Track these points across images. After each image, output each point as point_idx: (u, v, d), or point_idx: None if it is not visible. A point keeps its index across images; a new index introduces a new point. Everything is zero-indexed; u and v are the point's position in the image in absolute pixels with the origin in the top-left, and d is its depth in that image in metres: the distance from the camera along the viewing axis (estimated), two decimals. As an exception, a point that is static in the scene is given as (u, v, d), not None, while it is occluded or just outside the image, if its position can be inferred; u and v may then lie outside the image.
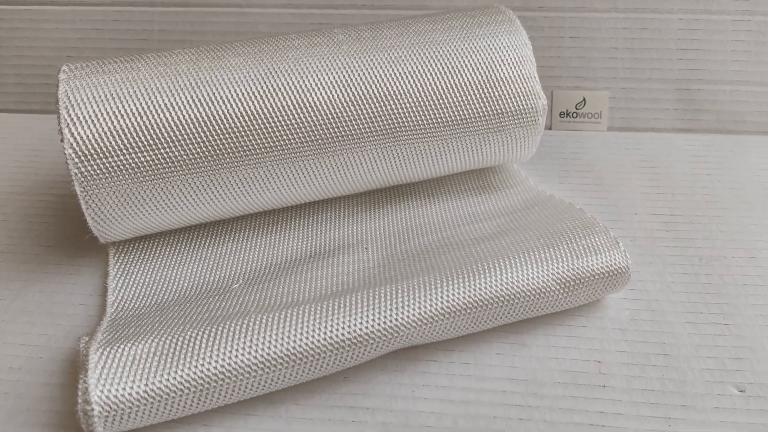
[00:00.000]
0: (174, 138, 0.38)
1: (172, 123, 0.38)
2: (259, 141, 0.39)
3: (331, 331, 0.34)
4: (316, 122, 0.40)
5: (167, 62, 0.40)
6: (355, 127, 0.41)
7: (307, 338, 0.33)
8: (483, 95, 0.43)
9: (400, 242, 0.42)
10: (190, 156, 0.39)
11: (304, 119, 0.40)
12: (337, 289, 0.37)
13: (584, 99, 0.56)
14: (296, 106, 0.40)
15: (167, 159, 0.38)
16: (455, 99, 0.42)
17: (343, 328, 0.34)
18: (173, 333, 0.33)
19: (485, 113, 0.43)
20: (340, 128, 0.40)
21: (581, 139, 0.55)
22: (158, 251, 0.43)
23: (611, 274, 0.38)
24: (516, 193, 0.47)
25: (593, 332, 0.39)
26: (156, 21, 0.57)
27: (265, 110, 0.39)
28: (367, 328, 0.34)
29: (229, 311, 0.36)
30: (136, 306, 0.39)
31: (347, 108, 0.40)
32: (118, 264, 0.42)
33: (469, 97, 0.43)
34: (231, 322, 0.34)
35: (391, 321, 0.34)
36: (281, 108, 0.40)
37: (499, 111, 0.43)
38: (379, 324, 0.34)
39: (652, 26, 0.56)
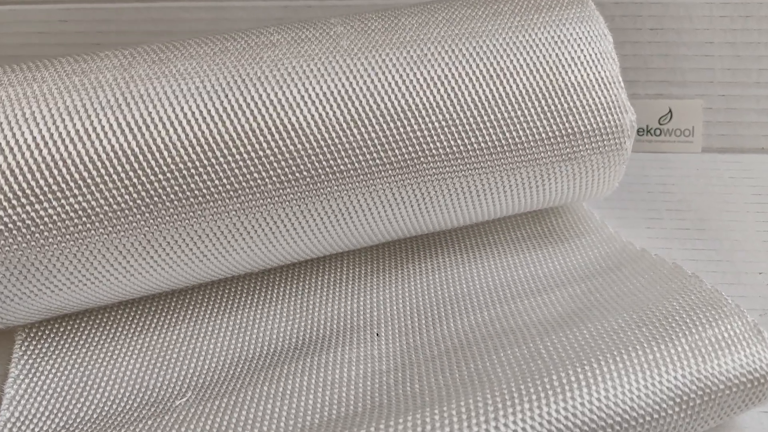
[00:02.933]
0: (91, 180, 0.26)
1: (87, 158, 0.26)
2: (218, 181, 0.27)
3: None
4: (304, 152, 0.27)
5: (86, 69, 0.28)
6: (362, 157, 0.28)
7: None
8: (546, 108, 0.30)
9: (428, 325, 0.29)
10: (116, 206, 0.26)
11: (285, 148, 0.27)
12: (333, 415, 0.24)
13: (670, 111, 0.43)
14: (274, 128, 0.27)
15: (81, 212, 0.26)
16: (507, 114, 0.29)
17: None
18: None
19: (549, 134, 0.30)
20: (340, 160, 0.28)
21: (668, 165, 0.42)
22: (81, 339, 0.30)
23: (754, 382, 0.25)
24: (592, 244, 0.34)
25: (729, 473, 0.25)
26: (113, 20, 0.45)
27: (228, 136, 0.27)
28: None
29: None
30: (42, 429, 0.26)
31: (350, 130, 0.28)
32: (25, 358, 0.29)
33: (526, 111, 0.29)
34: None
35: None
36: (251, 132, 0.27)
37: (569, 131, 0.30)
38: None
39: (759, 13, 0.42)
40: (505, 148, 0.29)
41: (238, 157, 0.27)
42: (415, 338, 0.28)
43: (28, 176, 0.25)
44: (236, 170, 0.27)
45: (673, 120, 0.43)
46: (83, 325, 0.31)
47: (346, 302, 0.31)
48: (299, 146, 0.27)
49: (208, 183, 0.27)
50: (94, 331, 0.30)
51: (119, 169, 0.26)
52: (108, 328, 0.31)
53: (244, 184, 0.27)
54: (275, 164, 0.27)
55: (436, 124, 0.29)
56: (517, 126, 0.29)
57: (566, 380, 0.23)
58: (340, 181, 0.28)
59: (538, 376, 0.24)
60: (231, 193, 0.27)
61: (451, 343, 0.27)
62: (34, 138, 0.26)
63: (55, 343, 0.30)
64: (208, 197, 0.27)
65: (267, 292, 0.32)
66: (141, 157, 0.26)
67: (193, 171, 0.26)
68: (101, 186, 0.26)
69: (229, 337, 0.30)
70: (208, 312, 0.31)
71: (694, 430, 0.25)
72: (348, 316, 0.30)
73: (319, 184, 0.28)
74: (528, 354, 0.25)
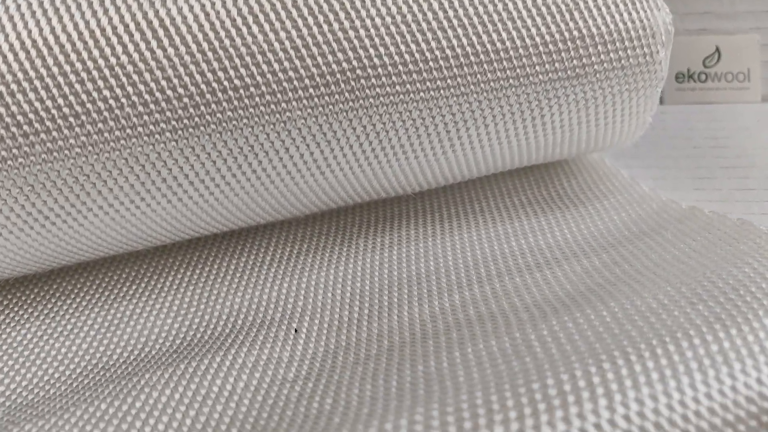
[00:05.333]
0: None
1: None
2: (39, 105, 0.18)
3: None
4: (180, 61, 0.19)
5: None
6: (267, 68, 0.19)
7: None
8: (542, 3, 0.21)
9: (371, 315, 0.20)
10: None
11: (150, 53, 0.18)
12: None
13: (718, 50, 0.33)
14: (134, 26, 0.18)
15: None
16: (482, 10, 0.20)
17: None
18: None
19: (547, 39, 0.21)
20: (233, 71, 0.19)
21: (718, 117, 0.32)
22: None
23: None
24: (619, 206, 0.24)
25: None
26: None
27: (53, 38, 0.18)
28: None
29: None
30: None
31: (246, 27, 0.19)
32: None
33: (510, 4, 0.20)
34: None
35: None
36: (90, 33, 0.18)
37: (574, 34, 0.21)
38: None
39: None
40: (482, 58, 0.20)
41: (68, 68, 0.18)
42: (349, 334, 0.19)
43: None
44: (67, 89, 0.18)
45: (722, 61, 0.33)
46: None
47: (262, 290, 0.22)
48: (172, 51, 0.19)
49: (35, 110, 0.18)
50: None
51: None
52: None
53: (78, 108, 0.18)
54: (130, 80, 0.18)
55: (378, 20, 0.20)
56: (498, 27, 0.20)
57: (570, 387, 0.14)
58: (235, 108, 0.19)
59: (523, 380, 0.14)
60: (69, 127, 0.18)
61: (399, 338, 0.18)
62: None
63: None
64: (32, 138, 0.18)
65: (155, 280, 0.23)
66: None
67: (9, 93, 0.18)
68: None
69: (90, 340, 0.21)
70: (71, 307, 0.22)
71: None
72: (260, 308, 0.21)
73: (202, 115, 0.19)
74: (512, 348, 0.16)
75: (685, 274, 0.18)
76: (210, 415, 0.16)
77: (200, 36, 0.19)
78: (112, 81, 0.18)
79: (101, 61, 0.18)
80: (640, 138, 0.29)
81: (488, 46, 0.20)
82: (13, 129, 0.18)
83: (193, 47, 0.19)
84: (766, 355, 0.15)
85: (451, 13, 0.20)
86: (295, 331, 0.19)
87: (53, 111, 0.18)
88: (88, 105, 0.18)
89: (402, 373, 0.16)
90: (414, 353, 0.17)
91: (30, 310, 0.22)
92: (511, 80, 0.21)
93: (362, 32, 0.20)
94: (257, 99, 0.19)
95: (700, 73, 0.33)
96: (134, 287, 0.23)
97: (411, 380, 0.15)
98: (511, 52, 0.21)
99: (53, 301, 0.22)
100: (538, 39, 0.21)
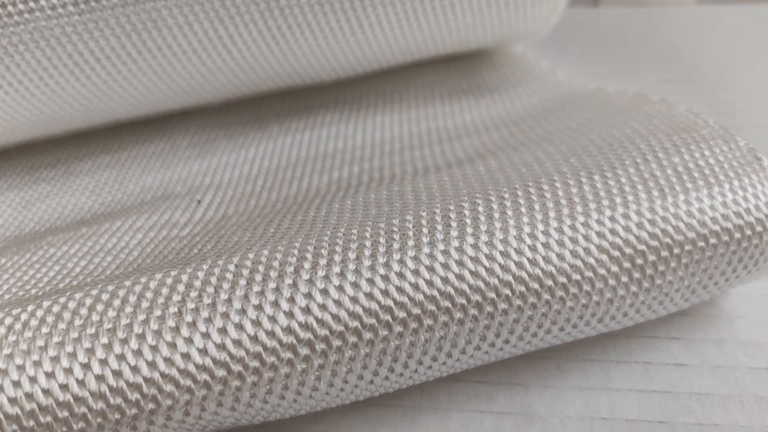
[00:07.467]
0: None
1: None
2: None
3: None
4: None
5: None
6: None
7: None
8: None
9: (272, 187, 0.20)
10: None
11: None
12: (87, 280, 0.16)
13: (656, -48, 0.33)
14: None
15: None
16: None
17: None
18: None
19: None
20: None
21: (652, 19, 0.32)
22: None
23: (747, 230, 0.16)
24: (531, 92, 0.24)
25: (703, 376, 0.16)
26: None
27: None
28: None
29: None
30: None
31: None
32: None
33: None
34: None
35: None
36: None
37: None
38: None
39: None
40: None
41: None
42: (248, 204, 0.19)
43: None
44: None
45: (659, -37, 0.33)
46: None
47: (173, 170, 0.22)
48: None
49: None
50: None
51: None
52: None
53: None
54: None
55: None
56: None
57: (426, 222, 0.14)
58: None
59: (385, 219, 0.15)
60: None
61: (293, 202, 0.19)
62: None
63: None
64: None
65: (74, 165, 0.23)
66: None
67: None
68: None
69: (6, 217, 0.21)
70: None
71: (649, 311, 0.16)
72: (169, 185, 0.21)
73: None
74: (387, 197, 0.16)
75: (571, 138, 0.18)
76: (99, 264, 0.16)
77: None
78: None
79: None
80: (570, 37, 0.29)
81: None
82: None
83: None
84: (623, 198, 0.15)
85: None
86: (198, 201, 0.20)
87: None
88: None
89: (282, 222, 0.16)
90: (299, 208, 0.17)
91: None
92: (414, -42, 0.21)
93: None
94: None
95: (636, -25, 0.33)
96: (54, 171, 0.23)
97: (288, 226, 0.16)
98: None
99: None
100: None
